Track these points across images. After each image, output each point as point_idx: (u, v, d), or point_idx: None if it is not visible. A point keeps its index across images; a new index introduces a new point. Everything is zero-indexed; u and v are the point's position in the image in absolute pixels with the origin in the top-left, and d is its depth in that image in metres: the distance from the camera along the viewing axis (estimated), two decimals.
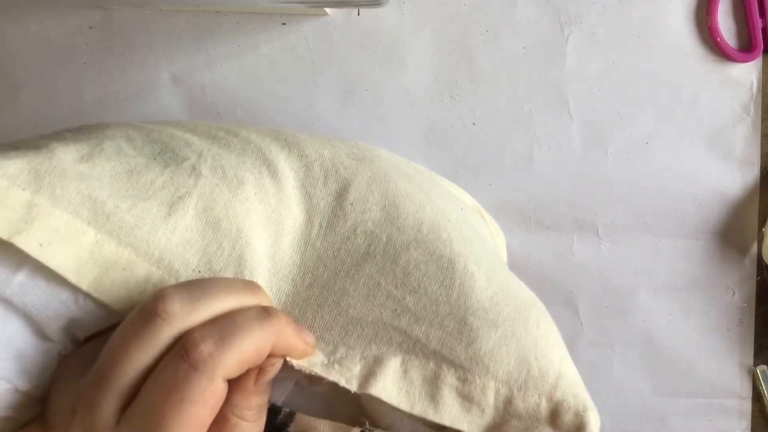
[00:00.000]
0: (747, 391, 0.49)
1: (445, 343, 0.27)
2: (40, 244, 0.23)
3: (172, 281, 0.25)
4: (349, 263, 0.28)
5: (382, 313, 0.27)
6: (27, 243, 0.23)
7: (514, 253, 0.48)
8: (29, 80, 0.46)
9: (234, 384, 0.24)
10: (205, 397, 0.21)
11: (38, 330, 0.25)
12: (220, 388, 0.22)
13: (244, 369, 0.23)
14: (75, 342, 0.26)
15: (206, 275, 0.26)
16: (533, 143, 0.47)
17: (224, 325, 0.22)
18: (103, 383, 0.22)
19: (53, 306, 0.24)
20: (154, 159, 0.27)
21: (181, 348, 0.22)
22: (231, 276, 0.26)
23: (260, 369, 0.24)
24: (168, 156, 0.28)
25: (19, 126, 0.47)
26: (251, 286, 0.25)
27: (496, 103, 0.47)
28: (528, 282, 0.33)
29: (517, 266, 0.48)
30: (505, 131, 0.47)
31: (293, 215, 0.29)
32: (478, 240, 0.32)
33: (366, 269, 0.28)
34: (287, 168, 0.30)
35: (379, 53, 0.46)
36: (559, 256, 0.48)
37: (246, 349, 0.22)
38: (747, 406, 0.49)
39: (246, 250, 0.27)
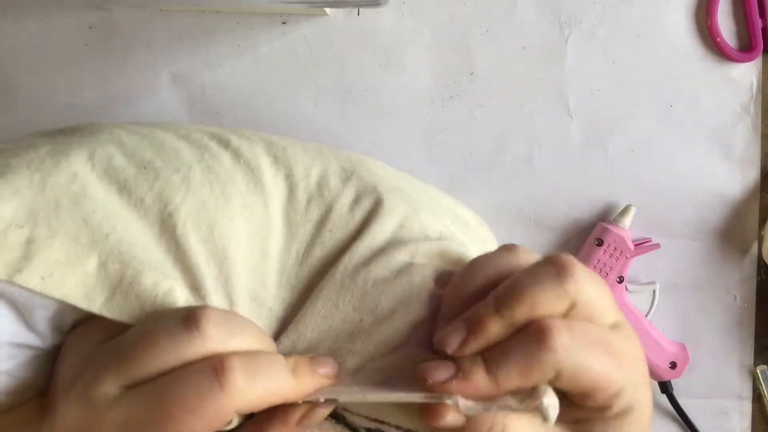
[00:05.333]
0: (747, 391, 0.49)
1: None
2: (42, 278, 0.24)
3: (179, 287, 0.25)
4: (318, 289, 0.28)
5: (338, 337, 0.27)
6: (27, 280, 0.23)
7: None
8: (29, 80, 0.46)
9: (276, 414, 0.24)
10: (213, 417, 0.22)
11: (23, 319, 0.25)
12: (228, 417, 0.23)
13: (256, 410, 0.24)
14: (59, 333, 0.26)
15: (203, 294, 0.26)
16: (533, 143, 0.47)
17: (261, 363, 0.23)
18: (117, 362, 0.23)
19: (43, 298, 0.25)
20: (144, 168, 0.27)
21: (215, 366, 0.22)
22: (221, 297, 0.27)
23: (309, 410, 0.25)
24: (158, 165, 0.28)
25: (19, 126, 0.47)
26: (271, 342, 0.26)
27: (496, 103, 0.47)
28: None
29: None
30: (505, 131, 0.47)
31: (275, 239, 0.29)
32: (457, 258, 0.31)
33: (325, 291, 0.28)
34: (273, 187, 0.30)
35: (379, 53, 0.46)
36: None
37: (271, 392, 0.23)
38: (747, 406, 0.49)
39: (231, 272, 0.27)
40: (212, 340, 0.23)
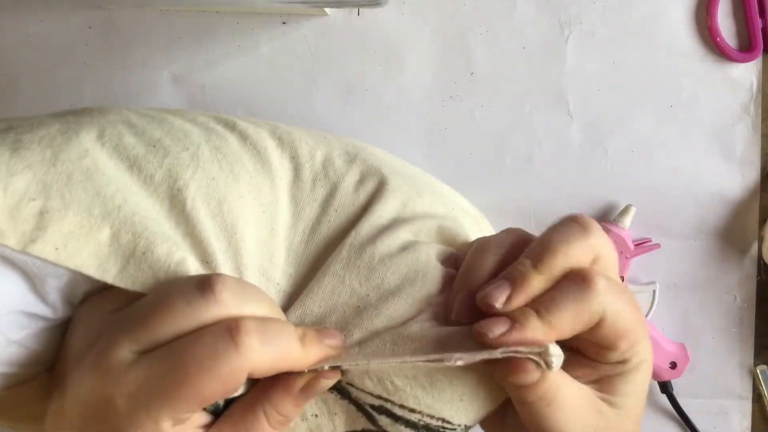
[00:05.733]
0: (747, 391, 0.49)
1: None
2: (56, 248, 0.24)
3: (191, 257, 0.26)
4: (325, 266, 0.29)
5: (345, 312, 0.28)
6: (41, 250, 0.24)
7: None
8: (29, 80, 0.46)
9: (280, 380, 0.25)
10: (228, 377, 0.22)
11: (35, 288, 0.25)
12: (242, 379, 0.23)
13: (266, 374, 0.24)
14: (70, 305, 0.26)
15: (214, 267, 0.27)
16: (533, 143, 0.47)
17: (273, 328, 0.24)
18: (132, 327, 0.23)
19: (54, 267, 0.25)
20: (154, 146, 0.28)
21: (230, 326, 0.23)
22: (230, 270, 0.27)
23: (313, 379, 0.25)
24: (168, 144, 0.28)
25: None
26: (281, 312, 0.27)
27: (496, 103, 0.47)
28: None
29: None
30: (505, 131, 0.47)
31: (282, 217, 0.29)
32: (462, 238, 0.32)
33: (332, 267, 0.28)
34: (279, 168, 0.30)
35: (379, 53, 0.46)
36: None
37: (281, 357, 0.24)
38: (747, 406, 0.49)
39: (240, 246, 0.27)
40: (227, 305, 0.23)
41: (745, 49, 0.46)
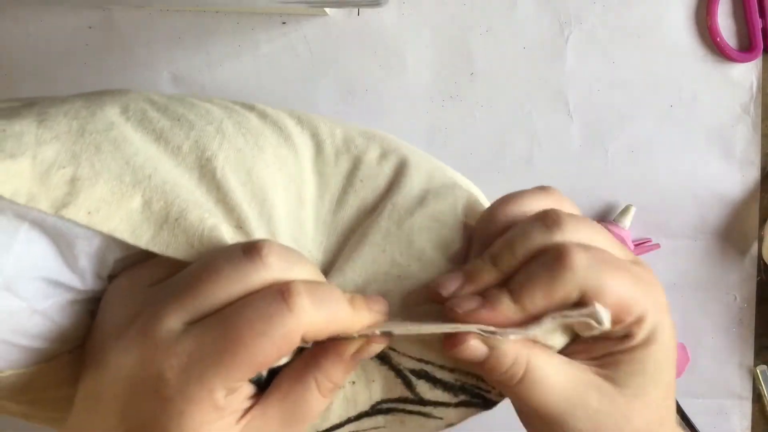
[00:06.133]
0: (747, 391, 0.49)
1: None
2: (89, 212, 0.24)
3: (224, 224, 0.26)
4: (359, 233, 0.29)
5: (386, 281, 0.28)
6: (75, 214, 0.23)
7: None
8: (29, 80, 0.46)
9: (330, 347, 0.25)
10: (283, 340, 0.22)
11: (63, 255, 0.25)
12: (296, 341, 0.23)
13: (316, 338, 0.24)
14: (98, 277, 0.26)
15: (248, 231, 0.26)
16: (533, 143, 0.47)
17: (323, 290, 0.24)
18: (180, 297, 0.23)
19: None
20: (178, 120, 0.28)
21: (281, 289, 0.22)
22: (264, 235, 0.27)
23: (365, 344, 0.25)
24: (192, 118, 0.28)
25: None
26: (324, 279, 0.27)
27: (496, 103, 0.47)
28: None
29: None
30: (505, 131, 0.47)
31: (308, 188, 0.29)
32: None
33: (370, 237, 0.28)
34: (301, 144, 0.30)
35: (379, 53, 0.46)
36: None
37: (333, 319, 0.24)
38: (747, 406, 0.49)
39: (272, 213, 0.27)
40: (274, 269, 0.23)
41: (745, 49, 0.46)
